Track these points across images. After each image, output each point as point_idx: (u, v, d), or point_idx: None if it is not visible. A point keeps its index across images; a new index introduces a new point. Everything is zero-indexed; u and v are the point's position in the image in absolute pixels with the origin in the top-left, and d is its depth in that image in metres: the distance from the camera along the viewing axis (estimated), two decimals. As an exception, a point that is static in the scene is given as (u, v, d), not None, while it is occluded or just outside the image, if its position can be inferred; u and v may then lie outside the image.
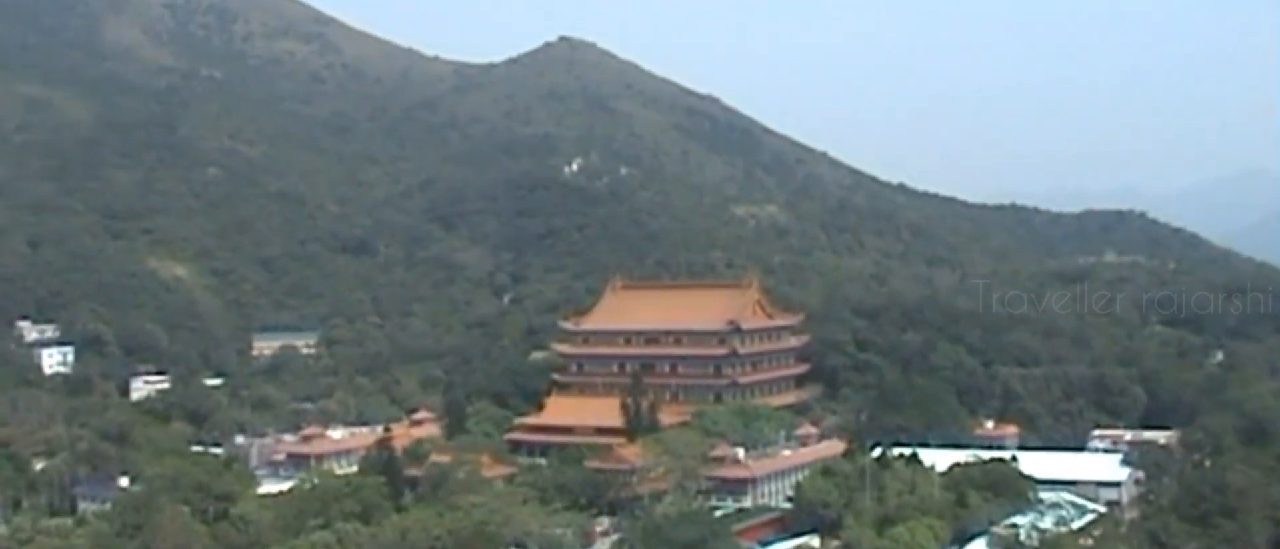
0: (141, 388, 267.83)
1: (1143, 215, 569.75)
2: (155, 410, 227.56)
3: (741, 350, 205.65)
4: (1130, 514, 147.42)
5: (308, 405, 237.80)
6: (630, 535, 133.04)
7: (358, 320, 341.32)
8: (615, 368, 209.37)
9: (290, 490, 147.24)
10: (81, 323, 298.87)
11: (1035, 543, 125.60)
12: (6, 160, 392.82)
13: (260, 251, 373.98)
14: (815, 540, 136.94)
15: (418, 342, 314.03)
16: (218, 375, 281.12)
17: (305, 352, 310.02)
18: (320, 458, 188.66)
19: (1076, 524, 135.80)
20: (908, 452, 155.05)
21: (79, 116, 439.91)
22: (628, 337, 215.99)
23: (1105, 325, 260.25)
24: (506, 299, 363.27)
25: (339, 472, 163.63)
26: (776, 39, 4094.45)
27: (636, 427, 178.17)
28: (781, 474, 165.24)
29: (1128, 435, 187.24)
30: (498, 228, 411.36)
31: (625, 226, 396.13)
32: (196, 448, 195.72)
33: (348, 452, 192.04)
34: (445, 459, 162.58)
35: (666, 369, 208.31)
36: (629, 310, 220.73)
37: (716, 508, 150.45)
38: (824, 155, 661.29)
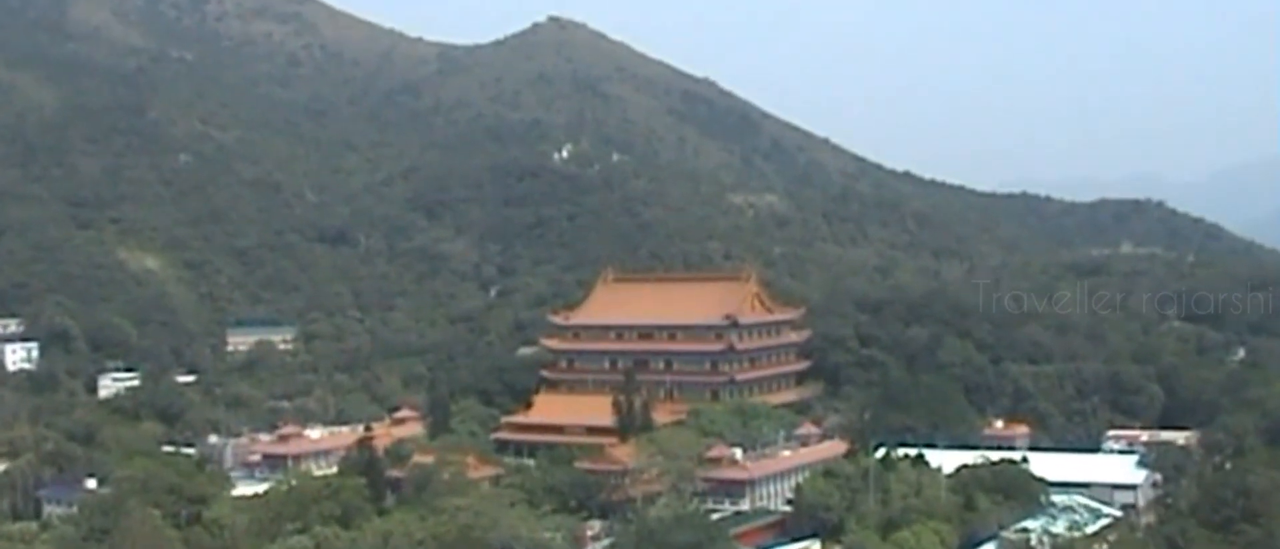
0: (110, 385, 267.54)
1: (1161, 204, 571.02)
2: (124, 409, 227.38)
3: (739, 346, 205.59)
4: (1147, 519, 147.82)
5: (284, 404, 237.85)
6: (622, 540, 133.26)
7: (337, 314, 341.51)
8: (607, 364, 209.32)
9: (266, 493, 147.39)
10: (46, 317, 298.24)
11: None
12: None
13: (234, 242, 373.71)
14: (816, 545, 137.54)
15: (400, 337, 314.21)
16: (190, 372, 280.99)
17: (282, 347, 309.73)
18: (298, 459, 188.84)
19: (1090, 529, 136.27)
20: (913, 452, 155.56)
21: (44, 100, 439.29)
22: (620, 331, 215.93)
23: (1121, 320, 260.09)
24: (493, 292, 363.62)
25: (317, 473, 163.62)
26: (776, 20, 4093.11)
27: (629, 426, 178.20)
28: (781, 476, 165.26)
29: (1144, 436, 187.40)
30: (484, 218, 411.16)
31: (617, 216, 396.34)
32: (168, 448, 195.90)
33: (326, 452, 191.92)
34: (429, 460, 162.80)
35: (660, 365, 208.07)
36: (621, 304, 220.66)
37: (713, 511, 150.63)
38: (826, 141, 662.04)
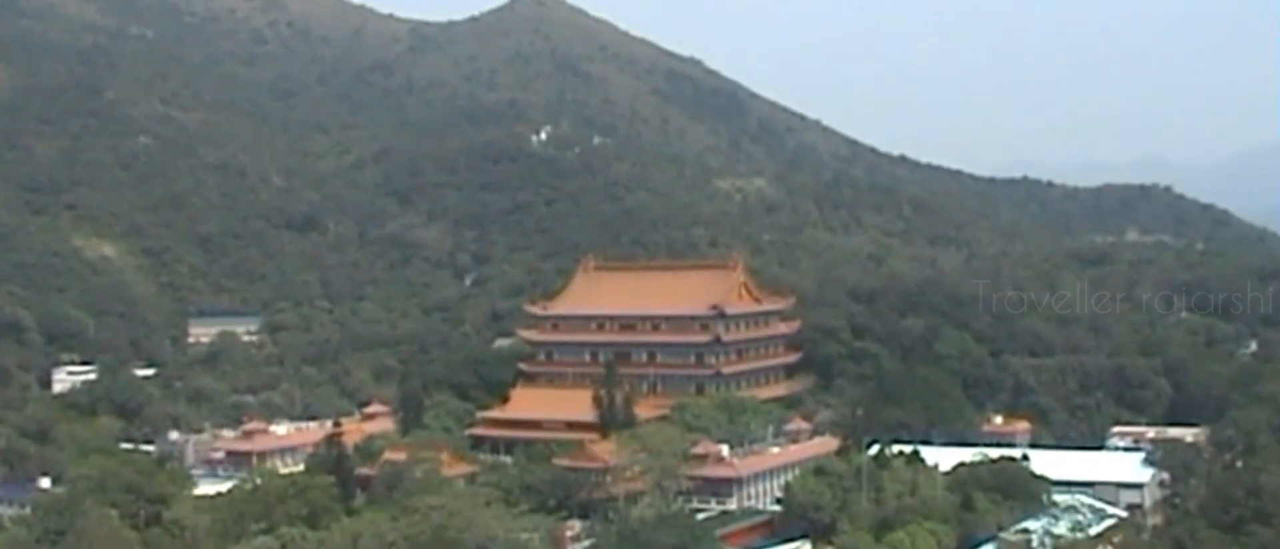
0: (65, 379, 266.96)
1: (1168, 190, 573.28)
2: (80, 404, 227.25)
3: (726, 337, 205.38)
4: (1154, 519, 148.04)
5: (249, 398, 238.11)
6: (603, 541, 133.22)
7: (304, 304, 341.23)
8: (587, 356, 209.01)
9: (230, 492, 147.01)
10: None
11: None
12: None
13: (196, 229, 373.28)
14: (806, 546, 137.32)
15: (370, 328, 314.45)
16: (149, 365, 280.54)
17: (246, 339, 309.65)
18: (263, 456, 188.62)
19: (1094, 530, 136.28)
20: (908, 449, 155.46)
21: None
22: (601, 322, 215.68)
23: (1126, 311, 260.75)
24: (468, 281, 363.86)
25: (283, 471, 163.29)
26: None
27: (610, 421, 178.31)
28: (770, 473, 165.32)
29: (1151, 432, 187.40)
30: (458, 203, 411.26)
31: (598, 201, 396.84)
32: (126, 446, 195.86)
33: (293, 449, 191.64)
34: (400, 457, 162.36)
35: (643, 358, 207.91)
36: (602, 293, 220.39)
37: (698, 510, 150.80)
38: (817, 123, 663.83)
